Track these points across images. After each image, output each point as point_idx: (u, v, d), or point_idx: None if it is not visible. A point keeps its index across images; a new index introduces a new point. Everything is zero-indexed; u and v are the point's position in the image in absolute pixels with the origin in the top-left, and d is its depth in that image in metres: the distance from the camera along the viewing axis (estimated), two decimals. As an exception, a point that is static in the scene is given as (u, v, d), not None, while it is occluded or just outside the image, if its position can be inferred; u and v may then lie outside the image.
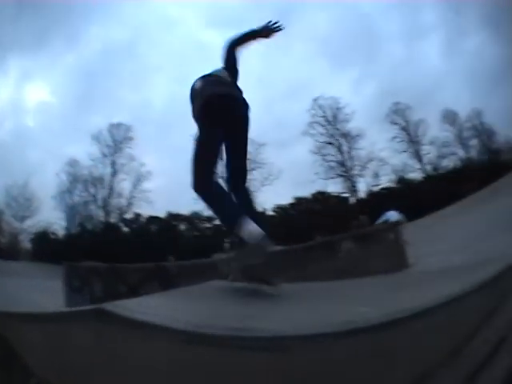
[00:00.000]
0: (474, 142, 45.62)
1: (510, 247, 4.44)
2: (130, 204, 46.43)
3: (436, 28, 58.23)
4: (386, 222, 13.33)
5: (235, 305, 3.04)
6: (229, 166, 3.45)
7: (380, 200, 39.29)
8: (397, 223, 7.18)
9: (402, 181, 44.17)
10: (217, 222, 45.02)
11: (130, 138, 47.77)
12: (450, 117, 45.65)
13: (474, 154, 45.48)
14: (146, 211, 45.79)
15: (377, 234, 7.32)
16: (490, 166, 38.07)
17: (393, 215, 14.19)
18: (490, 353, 1.97)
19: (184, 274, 7.48)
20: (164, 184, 55.23)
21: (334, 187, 44.39)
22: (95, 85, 63.68)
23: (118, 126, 47.74)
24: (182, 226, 47.60)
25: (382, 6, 56.86)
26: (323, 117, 45.59)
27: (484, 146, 45.15)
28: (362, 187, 44.84)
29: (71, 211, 45.37)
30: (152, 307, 2.31)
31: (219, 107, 3.09)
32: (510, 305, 2.55)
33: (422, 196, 37.02)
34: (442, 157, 44.91)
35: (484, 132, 45.02)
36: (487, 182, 25.26)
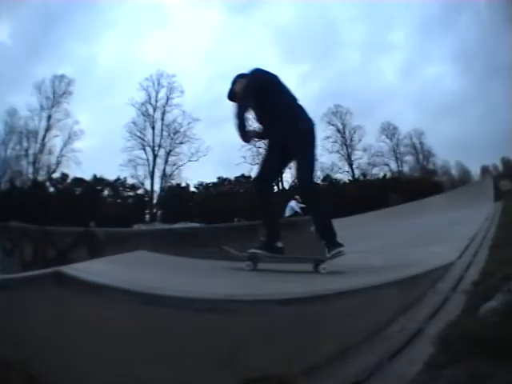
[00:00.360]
0: (408, 158, 48.51)
1: (425, 258, 4.80)
2: (58, 163, 44.23)
3: (400, 48, 60.52)
4: (296, 213, 13.92)
5: (171, 273, 3.23)
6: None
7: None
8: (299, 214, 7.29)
9: (327, 179, 45.64)
10: (139, 191, 45.42)
11: (70, 93, 45.29)
12: (389, 130, 47.82)
13: (406, 169, 48.51)
14: (73, 172, 43.98)
15: (300, 224, 7.46)
16: (420, 184, 40.63)
17: (293, 206, 14.55)
18: (406, 340, 2.17)
19: (112, 241, 7.10)
20: (94, 145, 53.16)
21: None
22: (51, 31, 59.26)
23: (61, 78, 45.12)
24: (106, 192, 46.27)
25: (353, 13, 60.79)
26: None
27: (418, 164, 48.22)
28: (287, 178, 45.26)
29: (3, 165, 43.01)
30: (103, 271, 2.35)
31: None
32: (427, 303, 2.82)
33: (346, 197, 38.46)
34: (372, 164, 47.14)
35: (422, 151, 48.00)
36: (414, 198, 27.02)
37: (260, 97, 3.96)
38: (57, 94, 45.03)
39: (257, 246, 4.08)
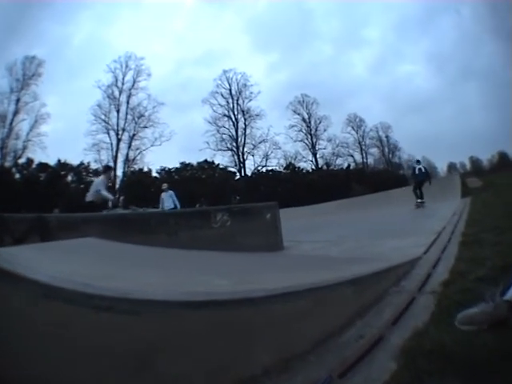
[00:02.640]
0: (373, 150, 49.57)
1: (387, 252, 4.55)
2: (24, 148, 42.55)
3: (374, 44, 60.71)
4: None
5: (102, 263, 3.19)
6: None
7: (264, 180, 41.00)
8: (275, 204, 7.15)
9: (290, 167, 45.99)
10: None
11: (39, 75, 43.22)
12: (355, 122, 48.64)
13: (370, 161, 49.51)
14: (38, 157, 42.34)
15: (255, 210, 7.34)
16: (384, 176, 41.96)
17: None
18: (363, 351, 1.83)
19: (64, 227, 7.46)
20: (60, 129, 51.80)
21: (222, 160, 45.35)
22: (28, 10, 55.85)
23: (32, 59, 42.91)
24: (70, 178, 44.71)
25: (330, 7, 60.16)
26: (228, 90, 46.64)
27: (384, 157, 49.35)
28: (250, 165, 45.94)
29: None
30: (29, 258, 2.41)
31: None
32: (389, 305, 2.49)
33: (308, 186, 38.85)
34: (337, 155, 47.79)
35: (388, 145, 49.23)
36: (378, 189, 27.25)
37: None
38: (27, 75, 43.35)
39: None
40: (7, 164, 42.46)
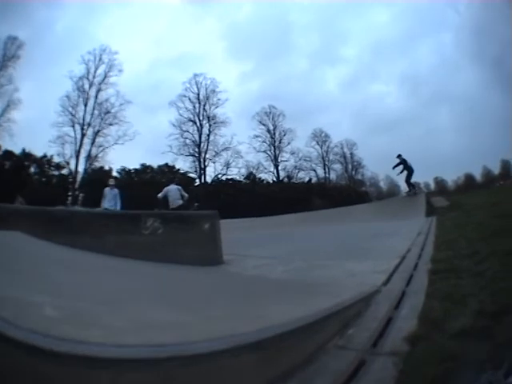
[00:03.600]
0: (337, 166, 49.45)
1: (343, 278, 3.66)
2: None
3: (349, 62, 59.01)
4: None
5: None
6: None
7: (224, 188, 40.81)
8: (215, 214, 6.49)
9: (250, 177, 45.61)
10: (64, 171, 43.27)
11: (18, 57, 41.54)
12: (320, 137, 48.71)
13: (333, 176, 49.44)
14: (6, 144, 40.47)
15: (192, 219, 6.83)
16: (346, 191, 41.90)
17: (172, 189, 13.36)
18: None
19: None
20: (29, 117, 48.86)
21: (183, 165, 44.88)
22: None
23: (14, 40, 41.44)
24: (32, 169, 42.89)
25: (311, 21, 58.71)
26: (196, 94, 46.17)
27: (347, 173, 49.50)
28: (210, 172, 45.36)
29: None
30: None
31: None
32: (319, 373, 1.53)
33: (268, 197, 38.49)
34: (299, 168, 47.69)
35: (351, 162, 49.43)
36: (339, 205, 26.82)
37: None
38: (6, 57, 41.85)
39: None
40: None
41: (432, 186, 49.45)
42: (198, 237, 6.18)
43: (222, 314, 2.47)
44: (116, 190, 12.61)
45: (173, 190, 13.10)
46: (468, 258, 3.89)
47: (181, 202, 12.85)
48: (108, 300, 2.53)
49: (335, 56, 57.53)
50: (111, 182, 12.75)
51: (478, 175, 50.13)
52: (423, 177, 49.85)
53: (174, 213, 7.97)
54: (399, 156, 16.35)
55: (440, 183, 50.34)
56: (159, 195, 13.06)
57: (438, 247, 5.07)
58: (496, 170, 48.66)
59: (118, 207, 12.15)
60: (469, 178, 49.11)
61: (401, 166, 16.22)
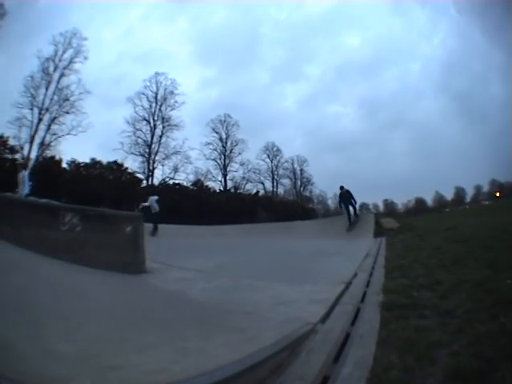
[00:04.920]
0: (285, 181, 49.94)
1: (270, 307, 2.92)
2: None
3: (310, 80, 60.05)
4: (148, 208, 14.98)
5: None
6: None
7: (170, 193, 40.56)
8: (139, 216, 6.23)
9: (198, 184, 45.67)
10: (17, 155, 41.47)
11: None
12: (271, 150, 49.27)
13: (281, 191, 49.97)
14: None
15: (113, 219, 6.41)
16: (292, 206, 42.50)
17: (153, 199, 15.91)
18: None
19: None
20: None
21: (132, 164, 43.79)
22: None
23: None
24: None
25: (281, 37, 59.40)
26: (154, 93, 45.74)
27: (295, 189, 50.16)
28: (158, 175, 44.27)
29: None
30: None
31: None
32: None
33: (213, 206, 38.43)
34: (247, 179, 48.13)
35: (301, 178, 50.43)
36: (284, 219, 26.51)
37: None
38: None
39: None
40: None
41: (381, 207, 50.83)
42: (119, 240, 5.75)
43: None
44: (25, 173, 11.97)
45: (153, 200, 15.89)
46: (429, 290, 3.20)
47: (158, 210, 15.47)
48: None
49: (298, 73, 59.47)
50: (20, 162, 11.80)
51: (429, 200, 52.47)
52: (373, 198, 51.19)
53: (94, 210, 7.15)
54: (341, 188, 15.79)
55: (390, 205, 51.88)
56: (144, 204, 15.57)
57: (390, 273, 4.35)
58: (449, 196, 51.24)
59: (26, 191, 11.45)
60: (420, 202, 51.10)
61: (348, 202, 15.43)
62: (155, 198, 16.40)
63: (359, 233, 12.46)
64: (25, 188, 11.41)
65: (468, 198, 50.93)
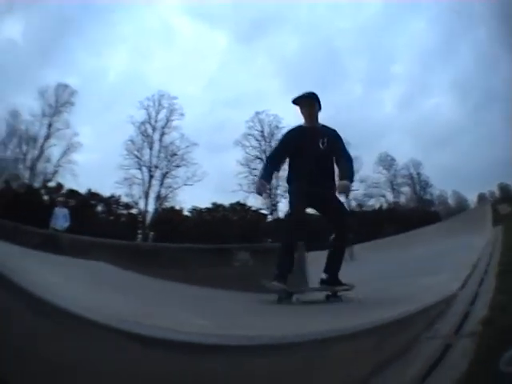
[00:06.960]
0: (405, 189, 49.84)
1: (417, 292, 4.11)
2: (55, 172, 45.08)
3: (400, 80, 63.29)
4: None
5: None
6: None
7: None
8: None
9: None
10: (132, 210, 46.77)
11: (72, 104, 46.14)
12: (386, 160, 49.28)
13: (403, 200, 49.70)
14: (68, 183, 44.54)
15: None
16: (416, 214, 41.75)
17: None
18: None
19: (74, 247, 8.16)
20: (92, 160, 54.09)
21: (255, 202, 45.66)
22: (63, 37, 61.37)
23: (65, 87, 45.91)
24: (99, 208, 47.19)
25: (357, 45, 63.50)
26: (260, 131, 47.99)
27: (415, 195, 49.26)
28: (283, 207, 45.43)
29: (1, 165, 43.27)
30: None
31: None
32: (420, 356, 2.12)
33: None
34: (369, 196, 48.06)
35: (419, 182, 49.24)
36: (410, 228, 26.51)
37: None
38: (59, 102, 46.04)
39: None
40: (36, 185, 44.67)
41: (497, 193, 47.36)
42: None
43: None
44: (65, 210, 13.35)
45: None
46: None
47: None
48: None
49: (387, 76, 61.86)
50: (60, 199, 13.24)
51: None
52: (487, 186, 47.82)
53: (261, 245, 8.22)
54: None
55: (504, 188, 47.53)
56: None
57: (504, 253, 5.46)
58: None
59: (67, 225, 12.82)
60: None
61: None
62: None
63: (480, 226, 12.77)
64: (59, 221, 12.79)
65: None
